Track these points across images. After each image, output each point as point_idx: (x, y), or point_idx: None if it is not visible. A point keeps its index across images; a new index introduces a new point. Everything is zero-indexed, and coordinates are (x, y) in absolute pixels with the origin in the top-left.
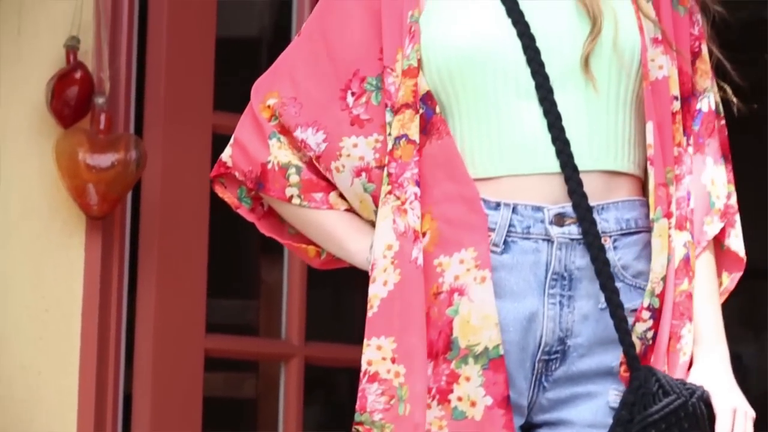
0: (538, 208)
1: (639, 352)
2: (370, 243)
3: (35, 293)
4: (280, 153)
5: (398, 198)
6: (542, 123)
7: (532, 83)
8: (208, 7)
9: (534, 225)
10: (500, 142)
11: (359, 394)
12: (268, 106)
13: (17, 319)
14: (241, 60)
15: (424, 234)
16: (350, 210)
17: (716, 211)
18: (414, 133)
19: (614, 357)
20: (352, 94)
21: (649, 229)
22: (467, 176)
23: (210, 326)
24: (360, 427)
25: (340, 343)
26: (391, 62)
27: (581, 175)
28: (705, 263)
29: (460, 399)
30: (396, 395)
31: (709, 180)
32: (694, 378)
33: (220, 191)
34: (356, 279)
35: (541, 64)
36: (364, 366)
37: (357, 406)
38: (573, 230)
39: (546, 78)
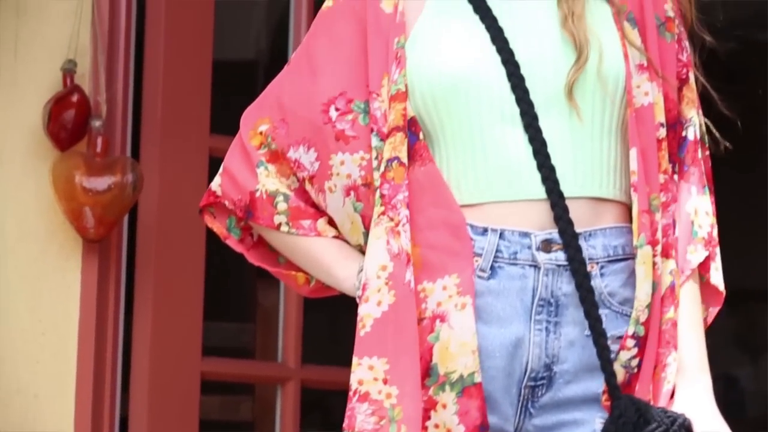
0: (525, 234)
1: (623, 381)
2: (357, 269)
3: (32, 316)
4: (267, 181)
5: (392, 219)
6: (527, 149)
7: (516, 110)
8: (205, 30)
9: (521, 251)
10: (486, 169)
11: (348, 413)
12: (260, 133)
13: (14, 341)
14: (238, 83)
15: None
16: (338, 237)
17: (699, 239)
18: (404, 156)
19: (600, 384)
20: (336, 109)
21: (635, 256)
22: (453, 202)
23: (206, 349)
24: None
25: (336, 366)
26: (376, 87)
27: (567, 202)
28: (689, 292)
29: (437, 426)
30: (387, 416)
31: (693, 209)
32: (677, 406)
33: (209, 221)
34: (352, 302)
35: (526, 91)
36: (354, 385)
37: (345, 425)
38: (560, 256)
39: (531, 105)
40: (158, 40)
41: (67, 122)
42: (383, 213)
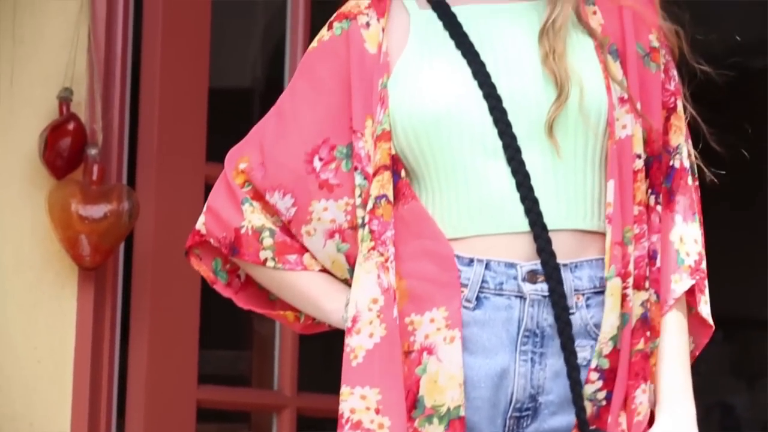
0: (511, 265)
1: (592, 414)
2: (345, 302)
3: (27, 344)
4: (253, 217)
5: (382, 254)
6: (510, 182)
7: (499, 143)
8: (201, 58)
9: (507, 281)
10: (469, 203)
11: None
12: (242, 171)
13: (9, 369)
14: (234, 111)
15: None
16: (324, 270)
17: (686, 267)
18: (391, 195)
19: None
20: (320, 159)
21: None
22: (440, 233)
23: (202, 377)
24: None
25: (332, 394)
26: (360, 127)
27: (552, 234)
28: (672, 321)
29: None
30: None
31: (678, 237)
32: None
33: (195, 264)
34: None
35: (508, 125)
36: (346, 413)
37: None
38: (545, 287)
39: (513, 138)
40: (154, 68)
41: (63, 150)
42: (373, 248)
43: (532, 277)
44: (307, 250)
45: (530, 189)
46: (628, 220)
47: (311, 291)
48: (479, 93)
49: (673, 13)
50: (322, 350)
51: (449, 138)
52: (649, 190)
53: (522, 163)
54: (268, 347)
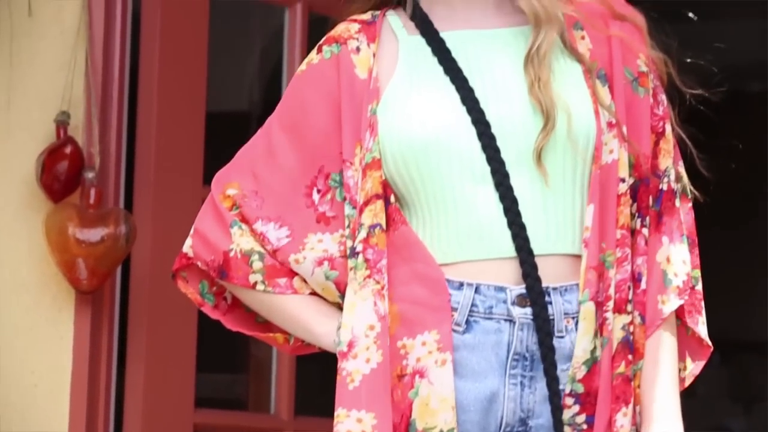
0: (501, 289)
1: None
2: (336, 325)
3: (24, 368)
4: (242, 240)
5: (378, 282)
6: (498, 208)
7: (487, 169)
8: (198, 82)
9: (496, 305)
10: (458, 229)
11: None
12: (229, 196)
13: (6, 393)
14: (231, 135)
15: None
16: (314, 293)
17: (673, 288)
18: (385, 223)
19: None
20: (318, 191)
21: None
22: (431, 257)
23: (199, 401)
24: None
25: (329, 417)
26: (350, 156)
27: (542, 258)
28: (658, 342)
29: None
30: None
31: (665, 258)
32: None
33: (182, 287)
34: None
35: (497, 150)
36: None
37: None
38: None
39: (502, 163)
40: (151, 92)
41: (61, 174)
42: (369, 276)
43: (521, 301)
44: (296, 274)
45: (518, 214)
46: (610, 244)
47: (302, 314)
48: (468, 119)
49: (661, 42)
50: (319, 374)
51: (438, 164)
52: (636, 214)
53: (510, 189)
54: (265, 371)
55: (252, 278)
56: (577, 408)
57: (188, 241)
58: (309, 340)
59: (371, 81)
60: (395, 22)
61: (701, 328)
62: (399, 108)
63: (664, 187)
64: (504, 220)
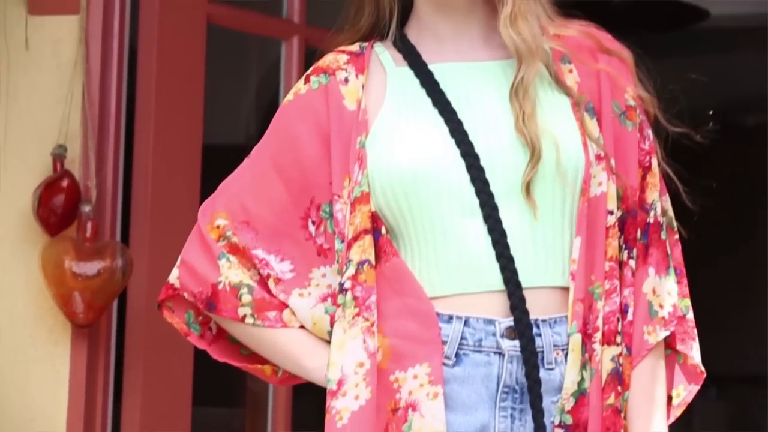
0: (490, 321)
1: None
2: (326, 360)
3: (20, 402)
4: (230, 273)
5: (367, 320)
6: (487, 240)
7: (476, 201)
8: (195, 115)
9: (486, 338)
10: (447, 262)
11: None
12: (217, 227)
13: (3, 428)
14: (228, 168)
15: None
16: (303, 327)
17: (659, 319)
18: (373, 258)
19: None
20: (313, 222)
21: None
22: (421, 290)
23: None
24: None
25: None
26: (338, 189)
27: (530, 291)
28: (644, 372)
29: None
30: None
31: (650, 289)
32: None
33: (168, 316)
34: None
35: (486, 182)
36: None
37: None
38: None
39: (490, 196)
40: (148, 125)
41: (57, 207)
42: (358, 314)
43: (510, 333)
44: (285, 306)
45: (506, 247)
46: (599, 277)
47: (292, 348)
48: (457, 151)
49: (643, 82)
50: (316, 408)
51: (427, 196)
52: (623, 246)
53: (498, 221)
54: (261, 404)
55: (241, 311)
56: None
57: (174, 272)
58: (299, 373)
59: (360, 113)
60: (383, 53)
61: (695, 354)
62: (388, 140)
63: (651, 220)
64: (493, 253)
